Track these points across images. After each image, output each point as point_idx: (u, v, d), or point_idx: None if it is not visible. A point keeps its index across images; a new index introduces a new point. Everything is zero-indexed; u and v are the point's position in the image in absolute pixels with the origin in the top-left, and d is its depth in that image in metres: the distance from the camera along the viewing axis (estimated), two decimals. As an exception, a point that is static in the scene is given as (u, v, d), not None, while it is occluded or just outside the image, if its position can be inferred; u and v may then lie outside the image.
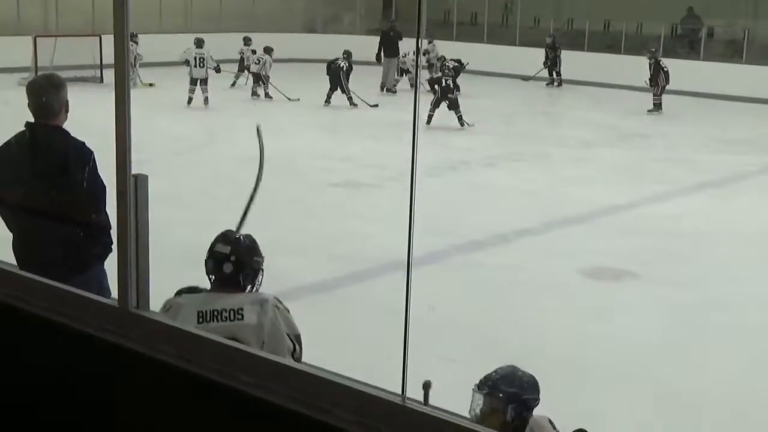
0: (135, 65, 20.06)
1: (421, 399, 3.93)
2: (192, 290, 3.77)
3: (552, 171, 13.12)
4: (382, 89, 21.31)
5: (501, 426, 3.56)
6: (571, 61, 22.77)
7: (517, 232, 9.59)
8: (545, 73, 23.30)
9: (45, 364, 3.07)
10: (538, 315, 7.15)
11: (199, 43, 18.08)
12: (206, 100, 17.85)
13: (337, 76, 18.53)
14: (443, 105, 16.16)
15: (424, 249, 7.76)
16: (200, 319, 3.50)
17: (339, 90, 18.50)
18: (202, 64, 17.70)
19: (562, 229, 9.84)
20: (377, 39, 22.43)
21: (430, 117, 15.95)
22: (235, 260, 3.65)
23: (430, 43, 23.07)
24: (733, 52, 23.18)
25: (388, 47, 21.66)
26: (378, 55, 21.83)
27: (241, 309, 3.53)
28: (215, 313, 3.52)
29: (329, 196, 11.02)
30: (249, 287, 3.72)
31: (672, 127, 17.60)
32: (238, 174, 11.47)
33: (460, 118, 16.11)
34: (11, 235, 4.53)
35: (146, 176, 2.85)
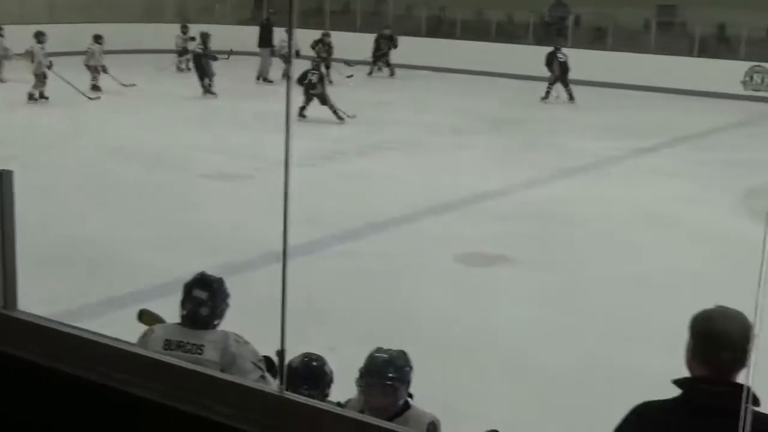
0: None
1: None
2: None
3: (425, 158, 13.25)
4: (257, 79, 21.32)
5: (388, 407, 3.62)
6: (444, 50, 23.02)
7: (391, 220, 9.67)
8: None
9: None
10: (413, 302, 7.23)
11: (36, 37, 16.98)
12: (33, 95, 16.80)
13: (199, 62, 18.33)
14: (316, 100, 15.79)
15: (300, 239, 7.75)
16: (166, 346, 3.98)
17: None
18: (32, 59, 16.76)
19: (435, 216, 9.95)
20: (249, 29, 22.34)
21: (301, 109, 15.54)
22: (211, 305, 4.11)
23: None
24: (598, 38, 23.79)
25: (263, 38, 21.69)
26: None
27: (202, 346, 3.99)
28: (180, 344, 4.01)
29: (202, 188, 10.87)
30: (215, 323, 4.15)
31: (544, 113, 17.96)
32: (106, 167, 11.35)
33: (335, 112, 15.70)
34: None
35: (11, 172, 2.77)
